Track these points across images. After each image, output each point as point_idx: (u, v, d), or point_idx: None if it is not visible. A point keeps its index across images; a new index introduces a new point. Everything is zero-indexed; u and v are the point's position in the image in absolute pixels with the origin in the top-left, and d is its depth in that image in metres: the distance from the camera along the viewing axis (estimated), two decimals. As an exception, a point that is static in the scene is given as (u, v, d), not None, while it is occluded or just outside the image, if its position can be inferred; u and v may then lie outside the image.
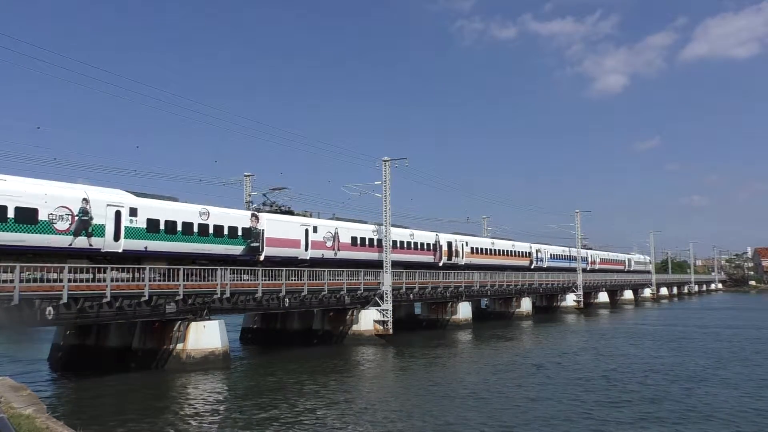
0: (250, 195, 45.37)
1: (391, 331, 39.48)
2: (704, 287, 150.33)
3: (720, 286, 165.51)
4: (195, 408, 20.94)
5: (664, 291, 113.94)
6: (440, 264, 52.74)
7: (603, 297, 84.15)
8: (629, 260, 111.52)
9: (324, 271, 36.66)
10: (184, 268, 27.94)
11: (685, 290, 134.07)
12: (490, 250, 62.94)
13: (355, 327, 39.53)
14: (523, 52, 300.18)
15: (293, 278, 33.99)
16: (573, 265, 77.47)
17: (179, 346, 28.18)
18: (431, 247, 51.94)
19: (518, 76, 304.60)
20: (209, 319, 28.92)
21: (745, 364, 30.51)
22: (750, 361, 31.57)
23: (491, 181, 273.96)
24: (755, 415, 19.51)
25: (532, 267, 72.29)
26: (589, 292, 79.66)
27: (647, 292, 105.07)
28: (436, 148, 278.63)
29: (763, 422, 18.65)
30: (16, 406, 11.46)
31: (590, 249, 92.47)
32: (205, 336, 28.42)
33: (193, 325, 28.23)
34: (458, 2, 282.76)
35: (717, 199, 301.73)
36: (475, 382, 26.07)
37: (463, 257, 56.69)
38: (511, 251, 67.84)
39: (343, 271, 38.31)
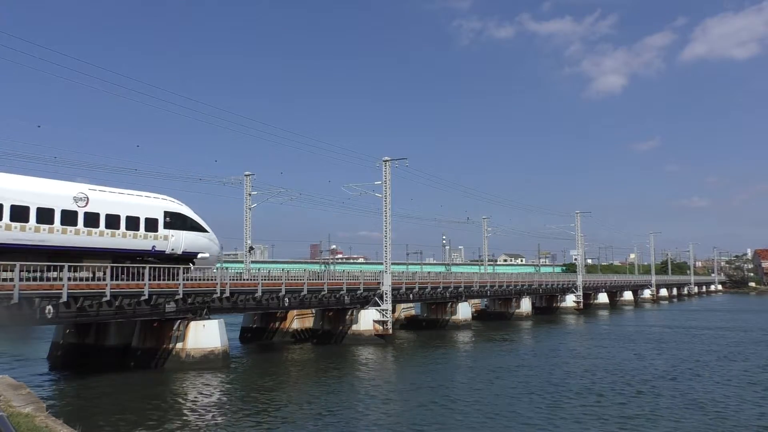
0: (250, 194, 45.38)
1: (390, 331, 39.47)
2: (704, 288, 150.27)
3: (720, 287, 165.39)
4: (194, 407, 20.93)
5: (663, 292, 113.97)
6: None
7: (603, 298, 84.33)
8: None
9: (324, 270, 36.66)
10: (183, 267, 27.86)
11: (685, 291, 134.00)
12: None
13: (354, 327, 39.52)
14: (521, 52, 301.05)
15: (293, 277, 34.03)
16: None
17: (179, 345, 28.20)
18: None
19: (516, 76, 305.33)
20: (209, 319, 28.94)
21: (720, 366, 30.42)
22: (722, 364, 31.31)
23: (491, 181, 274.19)
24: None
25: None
26: (589, 293, 79.79)
27: (647, 294, 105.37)
28: (435, 148, 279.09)
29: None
30: (15, 404, 11.43)
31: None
32: (205, 335, 28.45)
33: (193, 324, 28.26)
34: (456, 1, 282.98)
35: (717, 200, 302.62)
36: (471, 383, 26.06)
37: None
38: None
39: (342, 271, 38.31)
